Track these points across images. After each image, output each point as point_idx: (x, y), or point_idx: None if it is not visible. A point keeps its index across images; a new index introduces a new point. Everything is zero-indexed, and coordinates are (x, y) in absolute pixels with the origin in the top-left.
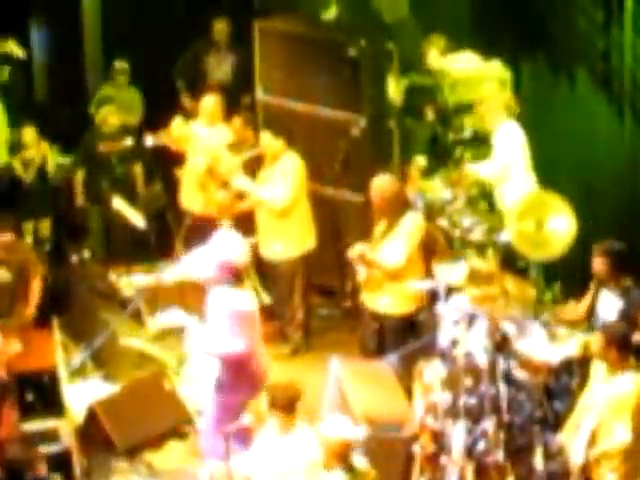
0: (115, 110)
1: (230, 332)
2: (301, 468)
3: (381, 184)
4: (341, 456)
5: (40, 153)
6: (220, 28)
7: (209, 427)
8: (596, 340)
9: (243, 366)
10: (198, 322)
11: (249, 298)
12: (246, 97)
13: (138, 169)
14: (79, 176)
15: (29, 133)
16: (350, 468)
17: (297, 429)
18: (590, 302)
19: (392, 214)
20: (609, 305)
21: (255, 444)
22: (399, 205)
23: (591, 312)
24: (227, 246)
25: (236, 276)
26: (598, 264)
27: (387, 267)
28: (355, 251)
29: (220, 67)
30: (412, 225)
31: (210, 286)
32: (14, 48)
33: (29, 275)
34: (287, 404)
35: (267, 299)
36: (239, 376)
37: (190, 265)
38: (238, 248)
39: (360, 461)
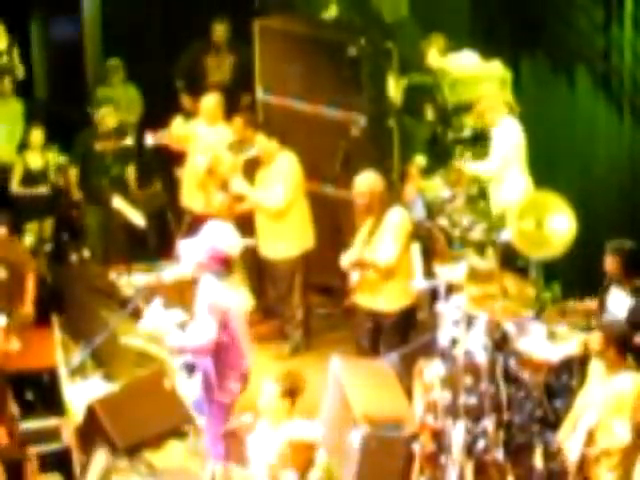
0: (113, 110)
1: (203, 323)
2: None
3: (371, 181)
4: (308, 459)
5: (45, 158)
6: (220, 30)
7: (207, 427)
8: (595, 338)
9: (224, 362)
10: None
11: (232, 293)
12: (246, 97)
13: (132, 170)
14: (72, 172)
15: (36, 136)
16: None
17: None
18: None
19: (381, 211)
20: (619, 303)
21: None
22: (386, 201)
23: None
24: (218, 235)
25: (224, 266)
26: (610, 263)
27: (381, 266)
28: (347, 259)
29: (219, 68)
30: (398, 219)
31: (199, 274)
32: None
33: (23, 273)
34: (288, 391)
35: (252, 302)
36: (223, 371)
37: (182, 252)
38: (229, 239)
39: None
